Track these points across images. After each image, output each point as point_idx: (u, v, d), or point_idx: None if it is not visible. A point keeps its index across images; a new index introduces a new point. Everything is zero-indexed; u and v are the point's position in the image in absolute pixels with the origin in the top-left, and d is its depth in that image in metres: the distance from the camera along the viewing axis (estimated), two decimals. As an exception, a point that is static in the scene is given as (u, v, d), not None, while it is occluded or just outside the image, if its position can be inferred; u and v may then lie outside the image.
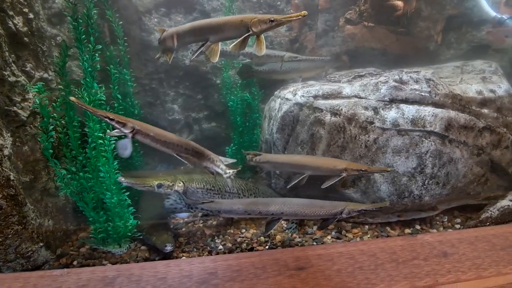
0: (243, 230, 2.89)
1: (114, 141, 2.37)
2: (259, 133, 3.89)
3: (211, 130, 4.41)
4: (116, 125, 1.88)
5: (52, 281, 1.96)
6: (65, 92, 2.33)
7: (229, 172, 2.16)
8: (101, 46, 2.31)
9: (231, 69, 3.90)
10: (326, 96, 2.73)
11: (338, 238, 2.68)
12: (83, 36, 2.22)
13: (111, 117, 1.85)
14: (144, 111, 3.84)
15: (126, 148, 2.05)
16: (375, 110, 2.53)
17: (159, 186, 2.59)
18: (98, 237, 2.55)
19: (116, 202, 2.49)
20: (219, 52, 1.91)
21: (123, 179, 2.35)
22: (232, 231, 2.92)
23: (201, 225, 3.02)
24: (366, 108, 2.54)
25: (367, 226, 2.77)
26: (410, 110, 2.47)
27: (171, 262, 2.17)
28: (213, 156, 2.19)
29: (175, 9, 3.92)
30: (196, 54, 2.05)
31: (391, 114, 2.48)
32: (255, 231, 2.88)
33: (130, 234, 2.62)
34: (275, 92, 3.27)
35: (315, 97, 2.74)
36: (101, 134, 2.32)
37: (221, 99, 4.12)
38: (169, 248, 2.39)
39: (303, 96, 2.78)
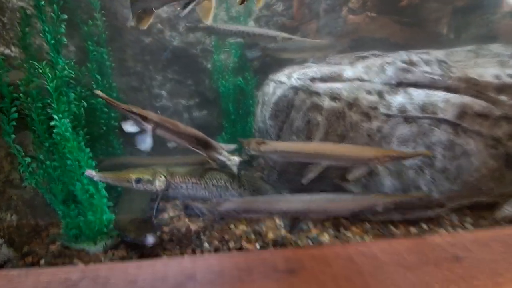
0: (232, 226, 2.64)
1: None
2: (253, 121, 3.61)
3: (202, 118, 4.12)
4: (139, 120, 1.91)
5: (7, 282, 1.71)
6: (27, 68, 2.03)
7: (234, 159, 2.11)
8: (66, 16, 2.00)
9: (223, 52, 3.59)
10: (325, 79, 2.44)
11: (336, 236, 2.43)
12: (42, 2, 1.91)
13: (134, 111, 1.89)
14: (126, 97, 3.56)
15: (146, 142, 1.99)
16: (380, 94, 2.24)
17: (138, 181, 2.22)
18: (70, 234, 2.30)
19: (89, 195, 2.22)
20: (212, 11, 1.64)
21: (93, 173, 2.00)
22: (220, 228, 2.67)
23: (186, 220, 2.77)
24: (369, 92, 2.26)
25: (368, 224, 2.52)
26: (419, 95, 2.19)
27: (144, 262, 1.92)
28: (216, 144, 2.19)
29: (162, -16, 3.58)
30: (188, 9, 1.74)
31: (397, 99, 2.20)
32: (245, 228, 2.63)
33: (106, 230, 2.37)
34: (270, 76, 2.98)
35: (313, 79, 2.45)
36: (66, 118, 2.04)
37: (213, 85, 3.82)
38: (150, 240, 2.12)
39: (299, 78, 2.50)
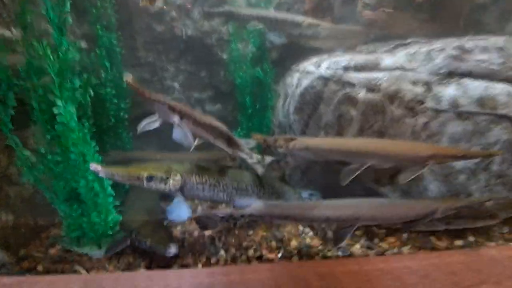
0: (250, 232, 2.38)
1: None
2: (270, 116, 3.33)
3: (216, 112, 3.85)
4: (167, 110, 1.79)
5: (-2, 294, 1.49)
6: (27, 50, 1.80)
7: (261, 158, 1.91)
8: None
9: (241, 40, 3.31)
10: (359, 68, 2.15)
11: (368, 247, 2.14)
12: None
13: (163, 101, 1.79)
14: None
15: (186, 137, 1.86)
16: (427, 85, 1.93)
17: (150, 179, 1.92)
18: (71, 236, 2.07)
19: (94, 193, 1.99)
20: None
21: (98, 167, 1.72)
22: (236, 233, 2.41)
23: (199, 223, 2.52)
24: (414, 83, 1.95)
25: (405, 235, 2.21)
26: (476, 87, 1.87)
27: (155, 273, 1.68)
28: (239, 141, 1.99)
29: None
30: None
31: (449, 91, 1.89)
32: (264, 233, 2.36)
33: (111, 232, 2.14)
34: (292, 66, 2.70)
35: (346, 69, 2.16)
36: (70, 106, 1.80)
37: (228, 77, 3.55)
38: (173, 250, 1.85)
39: (329, 68, 2.21)
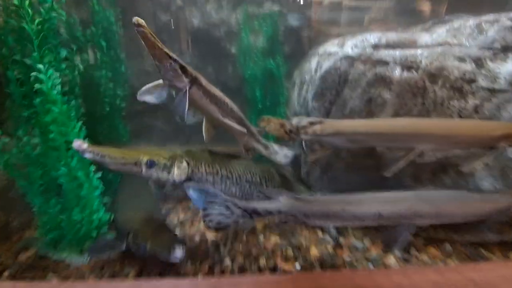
0: (261, 238, 2.01)
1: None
2: (282, 112, 3.03)
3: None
4: (178, 71, 1.41)
5: None
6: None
7: (283, 150, 1.74)
8: None
9: (252, 31, 3.06)
10: (392, 46, 1.85)
11: (405, 259, 1.76)
12: None
13: (174, 58, 1.40)
14: (138, 80, 3.07)
15: (182, 104, 1.47)
16: (478, 62, 1.62)
17: (151, 164, 1.53)
18: (48, 238, 1.72)
19: (77, 183, 1.66)
20: None
21: (84, 145, 1.37)
22: (245, 238, 2.04)
23: (201, 226, 2.16)
24: (461, 60, 1.64)
25: (448, 245, 1.84)
26: (539, 61, 1.56)
27: (143, 284, 1.31)
28: (254, 129, 1.77)
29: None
30: None
31: (508, 67, 1.57)
32: (278, 239, 2.00)
33: (96, 234, 1.79)
34: (309, 52, 2.42)
35: (376, 47, 1.87)
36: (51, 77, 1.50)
37: (237, 72, 3.28)
38: (178, 254, 1.48)
39: (356, 46, 1.92)
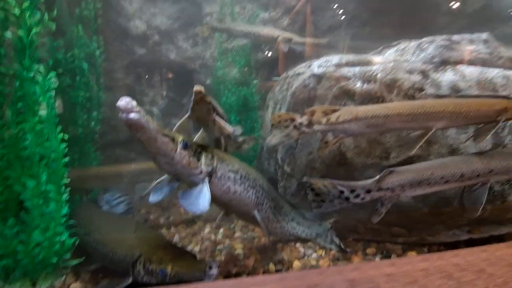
0: (241, 257, 1.92)
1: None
2: (257, 135, 3.14)
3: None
4: None
5: None
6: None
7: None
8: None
9: (226, 64, 3.29)
10: (351, 64, 2.09)
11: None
12: None
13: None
14: (110, 111, 3.07)
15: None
16: (424, 73, 1.88)
17: (185, 145, 1.37)
18: None
19: (43, 199, 1.54)
20: None
21: (133, 102, 1.15)
22: (222, 258, 1.94)
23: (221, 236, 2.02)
24: (410, 72, 1.90)
25: (426, 248, 1.89)
26: (472, 72, 1.84)
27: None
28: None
29: (161, -5, 3.44)
30: None
31: (447, 76, 1.84)
32: (258, 257, 1.92)
33: (57, 260, 1.61)
34: (281, 76, 2.63)
35: (338, 65, 2.10)
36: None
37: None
38: (214, 270, 1.36)
39: (320, 66, 2.14)
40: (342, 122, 1.52)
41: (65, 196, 1.62)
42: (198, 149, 1.46)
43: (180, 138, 1.38)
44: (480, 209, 1.56)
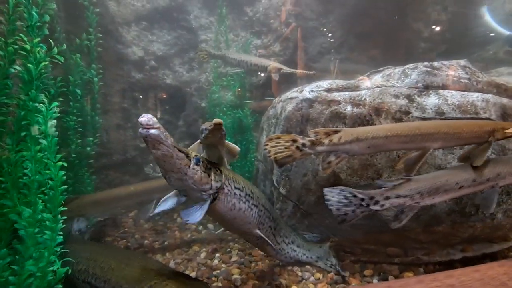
0: (238, 282, 1.90)
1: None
2: (252, 157, 3.19)
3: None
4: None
5: None
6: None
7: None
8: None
9: (221, 88, 3.40)
10: (341, 89, 2.20)
11: None
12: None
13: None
14: (107, 134, 3.11)
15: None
16: (409, 97, 1.98)
17: (197, 161, 1.40)
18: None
19: (38, 228, 1.53)
20: None
21: (154, 119, 1.21)
22: (220, 284, 1.91)
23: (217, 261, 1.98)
24: (396, 97, 2.00)
25: (421, 268, 1.91)
26: (454, 96, 1.95)
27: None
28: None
29: (158, 24, 3.58)
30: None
31: (431, 100, 1.94)
32: (256, 282, 1.91)
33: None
34: (274, 100, 2.72)
35: (328, 90, 2.20)
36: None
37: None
38: None
39: (312, 91, 2.23)
40: (344, 143, 1.55)
41: (60, 225, 1.62)
42: (208, 165, 1.49)
43: (193, 154, 1.43)
44: (493, 207, 1.61)
